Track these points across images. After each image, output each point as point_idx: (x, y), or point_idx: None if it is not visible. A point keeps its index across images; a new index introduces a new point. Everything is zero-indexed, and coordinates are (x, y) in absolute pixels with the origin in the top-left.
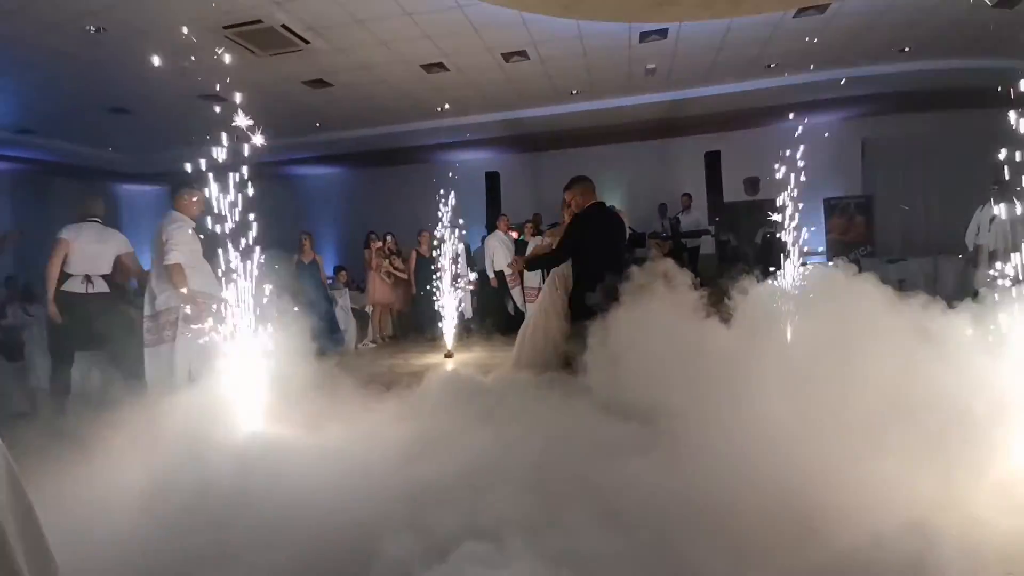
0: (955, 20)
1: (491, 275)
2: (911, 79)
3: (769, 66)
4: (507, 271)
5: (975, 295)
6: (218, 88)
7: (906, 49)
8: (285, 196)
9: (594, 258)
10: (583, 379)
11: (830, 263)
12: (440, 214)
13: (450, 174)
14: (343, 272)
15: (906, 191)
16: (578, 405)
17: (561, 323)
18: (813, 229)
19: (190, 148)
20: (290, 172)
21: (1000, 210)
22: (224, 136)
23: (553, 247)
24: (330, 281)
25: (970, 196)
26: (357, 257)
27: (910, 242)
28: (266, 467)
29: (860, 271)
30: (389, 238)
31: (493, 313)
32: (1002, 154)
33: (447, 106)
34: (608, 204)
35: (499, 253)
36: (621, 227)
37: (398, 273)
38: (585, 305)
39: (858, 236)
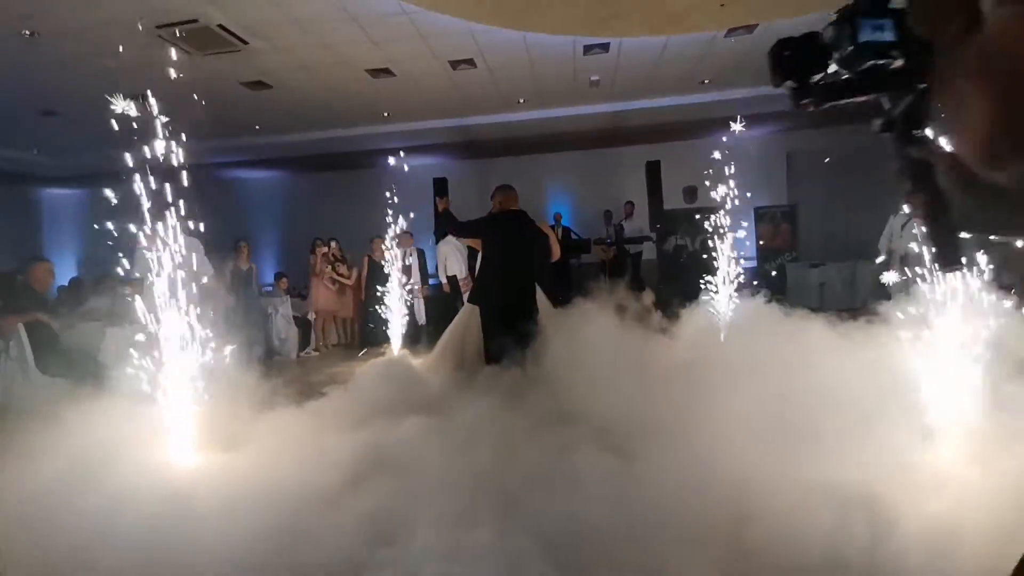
0: None
1: (443, 280)
2: None
3: (703, 81)
4: (459, 275)
5: (888, 297)
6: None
7: None
8: (221, 200)
9: (493, 257)
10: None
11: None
12: (387, 220)
13: (389, 180)
14: (283, 279)
15: (827, 200)
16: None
17: (479, 338)
18: (746, 241)
19: (118, 150)
20: (227, 175)
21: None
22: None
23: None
24: (269, 289)
25: (885, 204)
26: (297, 264)
27: (831, 248)
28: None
29: (785, 275)
30: (333, 244)
31: (444, 318)
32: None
33: (391, 112)
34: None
35: (451, 258)
36: (533, 235)
37: (342, 280)
38: (486, 299)
39: (784, 243)
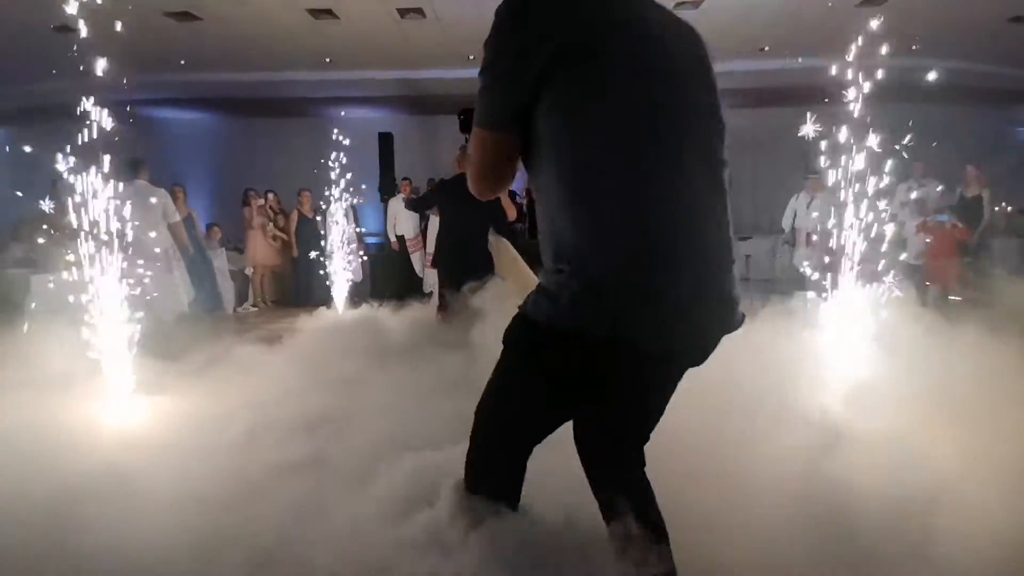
0: (811, 23)
1: (393, 239)
2: (766, 76)
3: None
4: (408, 235)
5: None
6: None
7: (765, 48)
8: (142, 141)
9: (450, 220)
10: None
11: None
12: (329, 173)
13: (336, 132)
14: (216, 229)
15: (756, 178)
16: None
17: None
18: None
19: (39, 85)
20: (148, 114)
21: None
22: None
23: None
24: None
25: (790, 183)
26: (229, 214)
27: (756, 224)
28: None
29: None
30: (271, 196)
31: (391, 277)
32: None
33: (334, 59)
34: None
35: (401, 217)
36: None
37: (281, 235)
38: (444, 259)
39: None
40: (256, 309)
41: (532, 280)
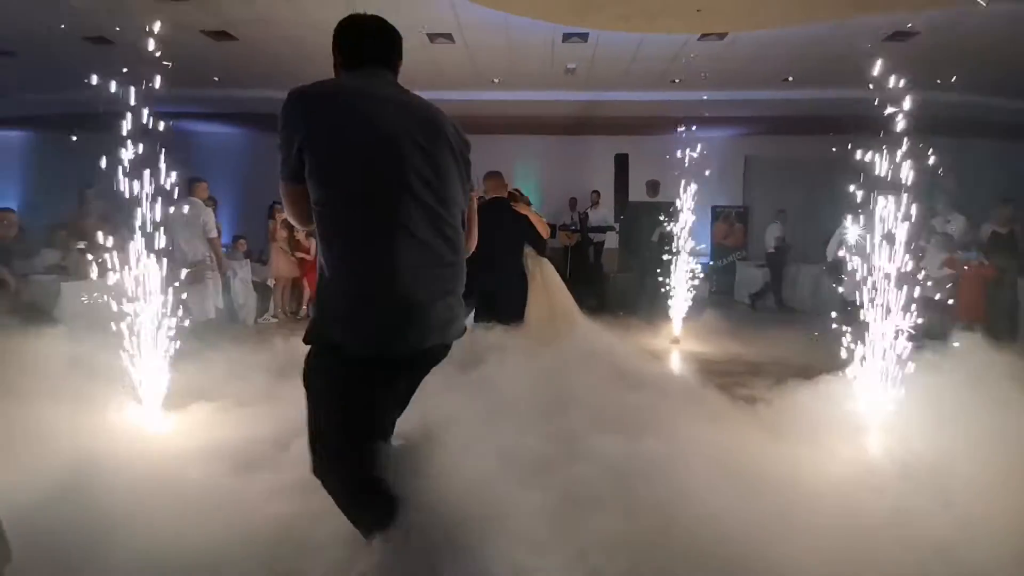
0: (832, 56)
1: None
2: (790, 105)
3: (673, 81)
4: None
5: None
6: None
7: (789, 79)
8: (175, 153)
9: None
10: None
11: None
12: None
13: None
14: (242, 241)
15: (778, 205)
16: None
17: (564, 294)
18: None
19: (70, 92)
20: (180, 127)
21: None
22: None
23: None
24: (224, 250)
25: (830, 212)
26: (257, 226)
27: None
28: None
29: (735, 272)
30: None
31: None
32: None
33: None
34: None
35: None
36: (509, 221)
37: (303, 255)
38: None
39: (736, 241)
40: (276, 320)
41: (565, 309)
